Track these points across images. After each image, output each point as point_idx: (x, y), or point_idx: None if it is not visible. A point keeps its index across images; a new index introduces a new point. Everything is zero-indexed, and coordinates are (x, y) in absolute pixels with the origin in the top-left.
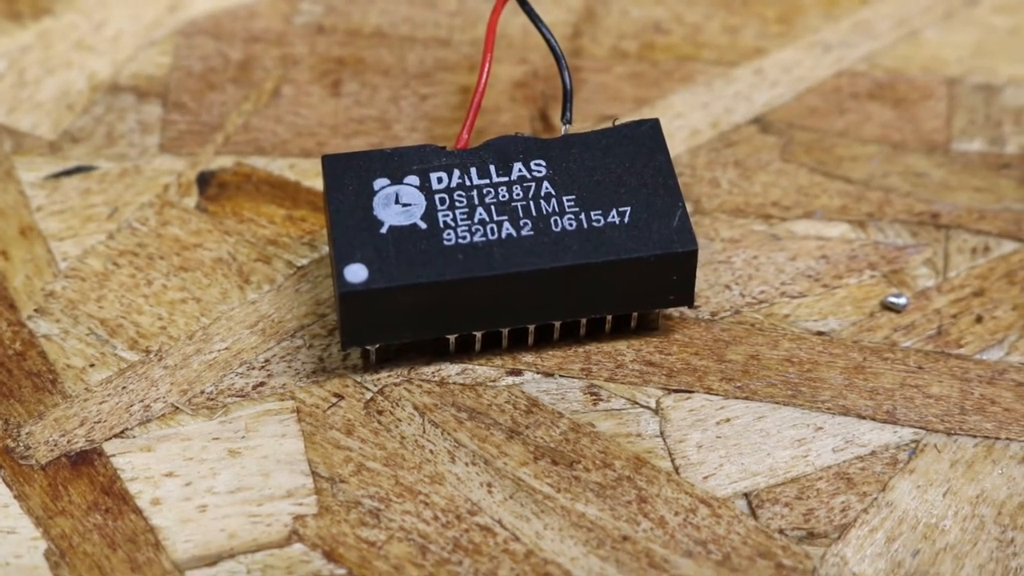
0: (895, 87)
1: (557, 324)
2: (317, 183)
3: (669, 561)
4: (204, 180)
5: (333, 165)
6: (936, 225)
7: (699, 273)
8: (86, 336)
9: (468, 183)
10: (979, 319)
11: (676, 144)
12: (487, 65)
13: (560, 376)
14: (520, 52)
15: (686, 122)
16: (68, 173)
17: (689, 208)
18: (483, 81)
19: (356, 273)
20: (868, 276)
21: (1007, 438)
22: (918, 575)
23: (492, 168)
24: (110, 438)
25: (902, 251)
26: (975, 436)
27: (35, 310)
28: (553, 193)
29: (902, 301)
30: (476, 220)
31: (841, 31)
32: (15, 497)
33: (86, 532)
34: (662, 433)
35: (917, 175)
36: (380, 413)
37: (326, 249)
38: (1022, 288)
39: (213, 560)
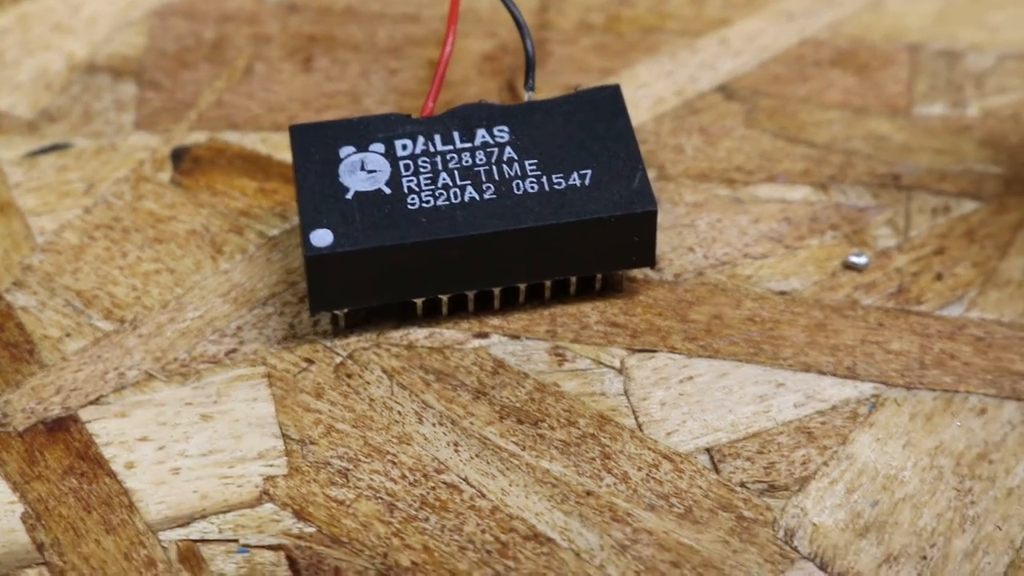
0: (857, 54)
1: (522, 287)
2: (288, 156)
3: (632, 515)
4: (178, 155)
5: (301, 135)
6: (897, 187)
7: (663, 236)
8: (62, 307)
9: (432, 149)
10: (939, 277)
11: (641, 112)
12: (451, 36)
13: (526, 338)
14: (488, 27)
15: (651, 91)
16: (45, 151)
17: (653, 174)
18: (447, 50)
19: (322, 238)
20: (830, 237)
21: (966, 391)
22: (877, 524)
23: (456, 135)
24: (85, 405)
25: (863, 212)
26: (934, 390)
27: (13, 283)
28: (515, 158)
29: (863, 260)
30: (440, 185)
31: (804, 1)
32: None
33: (62, 495)
34: (626, 392)
35: (879, 138)
36: (349, 376)
37: (297, 220)
38: (982, 246)
39: (186, 521)
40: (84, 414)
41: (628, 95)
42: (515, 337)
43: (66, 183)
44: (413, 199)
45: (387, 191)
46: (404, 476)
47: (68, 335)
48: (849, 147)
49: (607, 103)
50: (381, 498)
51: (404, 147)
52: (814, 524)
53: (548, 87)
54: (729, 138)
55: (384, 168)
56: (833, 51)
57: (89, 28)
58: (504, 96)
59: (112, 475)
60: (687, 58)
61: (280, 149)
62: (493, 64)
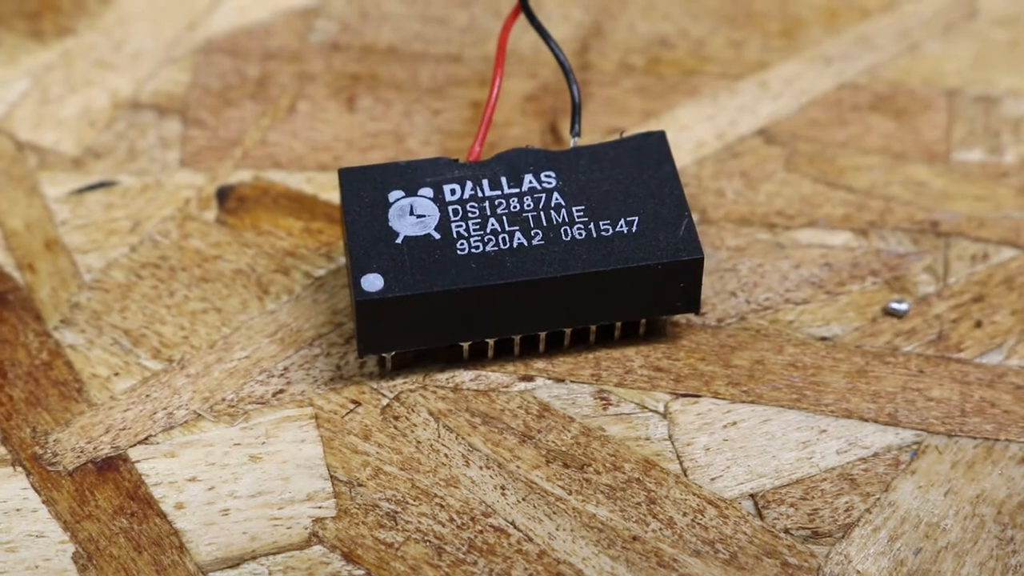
0: (896, 99)
1: (568, 331)
2: (333, 196)
3: (678, 560)
4: (223, 194)
5: (349, 178)
6: (936, 233)
7: (705, 280)
8: (110, 346)
9: (480, 195)
10: (979, 324)
11: (682, 155)
12: (498, 79)
13: (571, 382)
14: (530, 67)
15: (692, 134)
16: (91, 188)
17: (695, 218)
18: (494, 94)
19: (372, 282)
20: (870, 283)
21: (1006, 439)
22: (920, 573)
23: (503, 180)
24: (135, 444)
25: (903, 258)
26: (975, 437)
27: (61, 321)
28: (563, 204)
29: (904, 307)
30: (488, 230)
31: (842, 44)
32: (43, 502)
33: (112, 536)
34: (670, 436)
35: (918, 184)
36: (396, 419)
37: (343, 260)
38: (1021, 294)
39: (236, 562)
40: (133, 453)
41: (669, 138)
42: (560, 380)
43: (112, 221)
44: (462, 244)
45: (436, 236)
46: (452, 519)
47: (116, 374)
48: (888, 192)
49: (652, 149)
50: (429, 541)
51: (453, 192)
52: (858, 572)
53: (589, 128)
54: (769, 182)
55: (433, 213)
56: (871, 96)
57: (133, 65)
58: (546, 137)
59: (162, 515)
60: (727, 101)
61: (325, 189)
62: (535, 104)
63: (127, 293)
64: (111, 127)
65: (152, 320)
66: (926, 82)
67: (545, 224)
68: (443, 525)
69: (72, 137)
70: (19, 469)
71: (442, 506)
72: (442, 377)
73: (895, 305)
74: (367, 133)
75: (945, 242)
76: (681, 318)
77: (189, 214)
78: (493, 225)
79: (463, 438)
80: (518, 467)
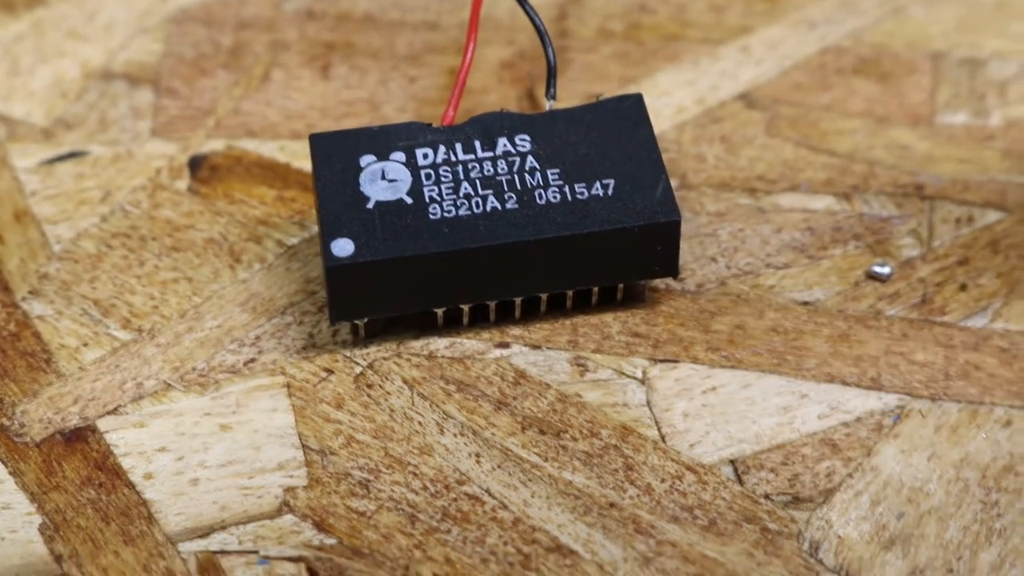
0: (880, 62)
1: (544, 297)
2: (307, 164)
3: (655, 527)
4: (195, 163)
5: (320, 143)
6: (921, 196)
7: (685, 246)
8: (80, 316)
9: (453, 158)
10: (963, 287)
11: (662, 121)
12: (472, 43)
13: (547, 348)
14: (507, 34)
15: (672, 99)
16: (62, 158)
17: (675, 183)
18: (468, 58)
19: (343, 247)
20: (853, 247)
21: (991, 403)
22: (903, 537)
23: (477, 143)
24: (103, 415)
25: (887, 222)
26: (959, 401)
27: (29, 292)
28: (537, 167)
29: (886, 271)
30: (461, 194)
31: (826, 8)
32: (10, 474)
33: (80, 507)
34: (648, 402)
35: (902, 148)
36: (369, 387)
37: (316, 228)
38: (1006, 256)
39: (205, 532)
40: (102, 424)
41: (649, 103)
42: (536, 347)
43: (83, 191)
44: (435, 209)
45: (408, 201)
46: (425, 487)
47: (85, 344)
48: (872, 156)
49: (629, 112)
50: (402, 509)
51: (425, 156)
52: (839, 536)
53: (568, 95)
54: (751, 147)
55: (405, 177)
56: (855, 59)
57: (105, 35)
58: (524, 104)
59: (131, 486)
60: (708, 66)
61: (298, 157)
62: (512, 71)
63: (97, 263)
64: (82, 98)
65: (122, 290)
66: (910, 45)
67: (519, 188)
68: (416, 493)
69: (43, 108)
70: None
71: (416, 474)
72: (416, 345)
73: (878, 269)
74: (342, 101)
75: (929, 205)
76: (660, 283)
77: (160, 184)
78: (466, 189)
79: (437, 406)
80: (493, 434)
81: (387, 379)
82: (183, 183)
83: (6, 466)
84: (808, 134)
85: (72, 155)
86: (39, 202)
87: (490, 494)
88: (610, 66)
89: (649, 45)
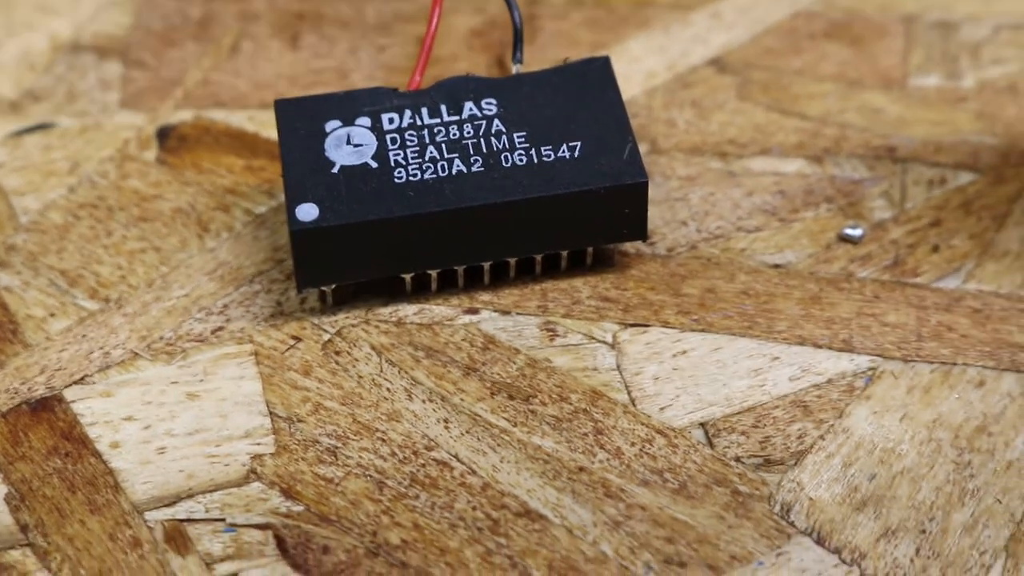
0: (851, 26)
1: (513, 262)
2: (275, 134)
3: (625, 490)
4: (164, 134)
5: (285, 109)
6: (893, 159)
7: (655, 210)
8: (47, 287)
9: (419, 123)
10: (935, 248)
11: (633, 87)
12: (438, 6)
13: (517, 313)
14: (477, 2)
15: (643, 66)
16: (29, 131)
17: (645, 148)
18: (435, 22)
19: (307, 212)
20: (825, 209)
21: (964, 363)
22: (875, 498)
23: (443, 108)
24: (70, 385)
25: (858, 184)
26: (932, 362)
27: None
28: (504, 130)
29: (858, 232)
30: (427, 158)
31: None
32: None
33: (46, 476)
34: (619, 367)
35: (874, 111)
36: (338, 354)
37: (284, 197)
38: (978, 218)
39: (172, 500)
40: (69, 394)
41: (620, 70)
42: (506, 313)
43: (50, 163)
44: (400, 173)
45: (373, 165)
46: (394, 453)
47: (52, 315)
48: (843, 120)
49: (596, 75)
50: (370, 476)
51: (391, 120)
52: (811, 498)
53: (539, 62)
54: (722, 111)
55: (370, 142)
56: (827, 23)
57: (73, 7)
58: (493, 71)
59: (97, 455)
60: (679, 32)
61: (267, 127)
62: (482, 39)
63: (64, 234)
64: (50, 70)
65: (89, 260)
66: (882, 8)
67: (485, 151)
68: (384, 460)
69: (10, 80)
70: None
71: (384, 440)
72: (385, 311)
73: (849, 231)
74: (311, 70)
75: (902, 167)
76: (630, 248)
77: (128, 154)
78: (432, 153)
79: (406, 372)
80: (462, 400)
81: (355, 346)
82: (151, 154)
83: None
84: (779, 98)
85: (40, 127)
86: (6, 174)
87: (459, 460)
88: (580, 32)
89: (619, 11)
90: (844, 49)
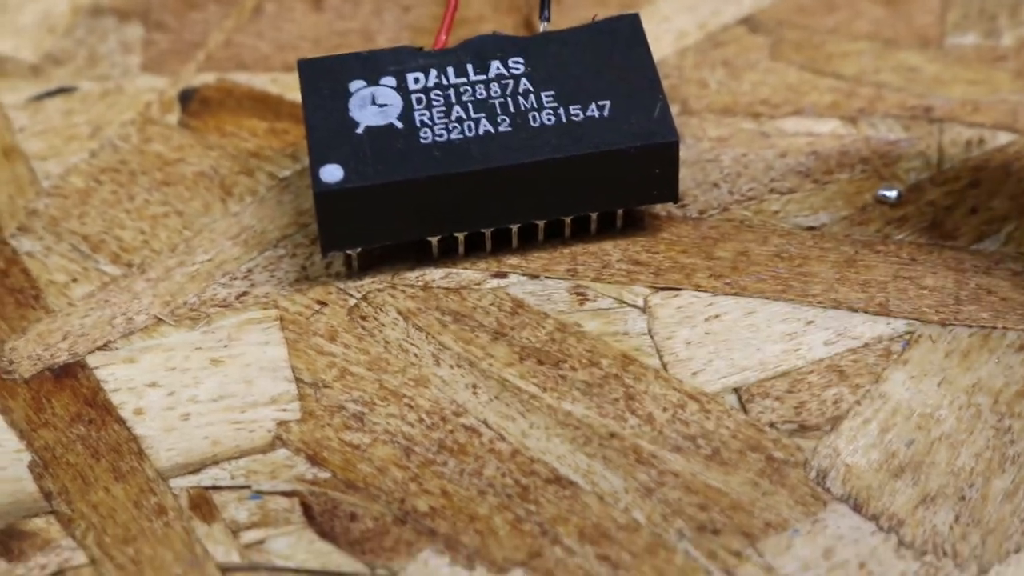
0: None
1: (541, 225)
2: (299, 96)
3: (657, 456)
4: (186, 97)
5: (309, 69)
6: (929, 119)
7: (686, 172)
8: (69, 252)
9: (445, 82)
10: (974, 210)
11: (663, 47)
12: None
13: (546, 277)
14: None
15: (673, 25)
16: (50, 94)
17: (677, 109)
18: None
19: (331, 173)
20: (860, 171)
21: (1004, 327)
22: (912, 464)
23: (469, 67)
24: (93, 351)
25: (894, 145)
26: (971, 326)
27: (17, 228)
28: (531, 89)
29: (894, 194)
30: (453, 118)
31: None
32: None
33: (69, 443)
34: (650, 331)
35: (910, 70)
36: (364, 319)
37: (308, 160)
38: (1018, 179)
39: (196, 467)
40: (92, 360)
41: (650, 29)
42: (534, 276)
43: (72, 127)
44: (426, 133)
45: (399, 125)
46: (421, 420)
47: (75, 280)
48: (879, 79)
49: (625, 32)
50: (398, 442)
51: (416, 80)
52: (847, 465)
53: (566, 20)
54: (754, 71)
55: (396, 102)
56: None
57: None
58: (520, 32)
59: (121, 422)
60: None
61: (290, 89)
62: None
63: (86, 199)
64: (71, 33)
65: (111, 225)
66: None
67: (513, 110)
68: (412, 426)
69: (31, 44)
70: None
71: (411, 406)
72: (411, 276)
73: (885, 192)
74: (335, 32)
75: (939, 128)
76: (661, 210)
77: (150, 118)
78: (458, 113)
79: (433, 337)
80: (490, 365)
81: (381, 311)
82: (173, 117)
83: None
84: (813, 57)
85: (61, 91)
86: (27, 138)
87: (487, 425)
88: None
89: None
90: (879, 7)
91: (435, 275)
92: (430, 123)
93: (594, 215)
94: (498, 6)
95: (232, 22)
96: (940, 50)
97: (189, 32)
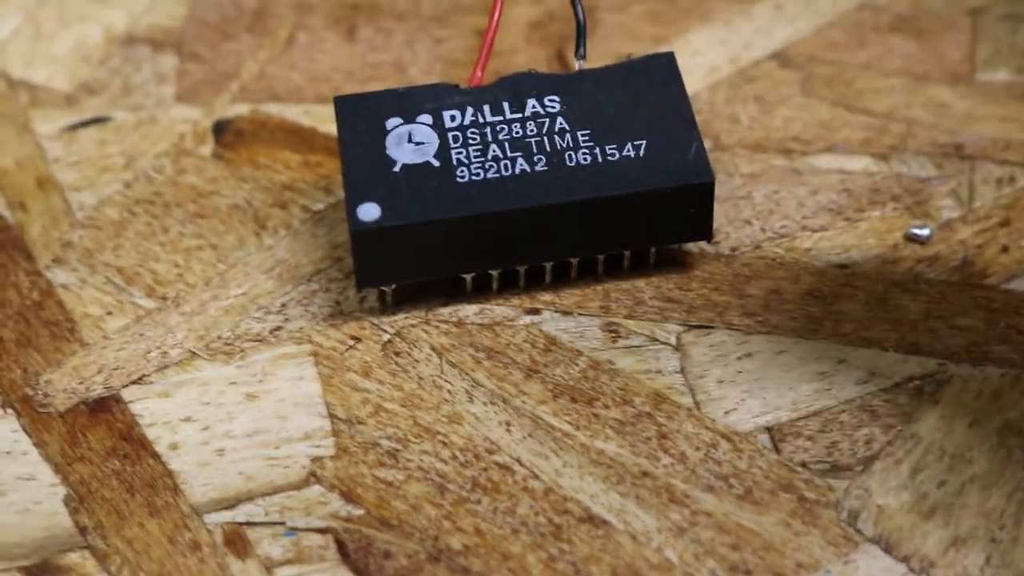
0: (918, 20)
1: (575, 262)
2: (333, 128)
3: (690, 496)
4: (220, 128)
5: (345, 106)
6: (960, 156)
7: (719, 209)
8: (103, 285)
9: (481, 120)
10: (1005, 249)
11: (695, 81)
12: (500, 0)
13: (579, 314)
14: None
15: (705, 59)
16: (84, 124)
17: (708, 144)
18: (496, 16)
19: (369, 212)
20: (891, 209)
21: None
22: (944, 506)
23: (505, 105)
24: (128, 385)
25: (926, 183)
26: (1002, 367)
27: (52, 260)
28: (567, 128)
29: (925, 233)
30: (490, 157)
31: None
32: (34, 444)
33: (104, 478)
34: (682, 369)
35: (940, 106)
36: (397, 355)
37: (342, 193)
38: None
39: (231, 503)
40: (127, 394)
41: (681, 63)
42: (567, 313)
43: (106, 157)
44: (462, 172)
45: (435, 163)
46: (455, 457)
47: (109, 313)
48: (910, 116)
49: (661, 71)
50: (431, 479)
51: (452, 118)
52: (878, 506)
53: (598, 56)
54: (785, 107)
55: (432, 140)
56: (892, 16)
57: None
58: (553, 65)
59: (156, 456)
60: (741, 25)
61: (324, 121)
62: (541, 32)
63: (120, 231)
64: (105, 63)
65: (146, 258)
66: (949, 2)
67: (549, 149)
68: (446, 463)
69: (65, 74)
70: (9, 411)
71: (445, 443)
72: (445, 311)
73: (916, 231)
74: (367, 64)
75: (970, 165)
76: (693, 247)
77: (184, 149)
78: (495, 151)
79: (467, 374)
80: (524, 402)
81: (415, 347)
82: (207, 148)
83: (30, 437)
84: (844, 93)
85: (95, 121)
86: (62, 169)
87: (521, 463)
88: (641, 26)
89: (681, 4)
90: (910, 43)
91: (468, 311)
92: (466, 162)
93: (627, 253)
94: (530, 38)
95: (265, 53)
96: (971, 86)
97: (223, 63)
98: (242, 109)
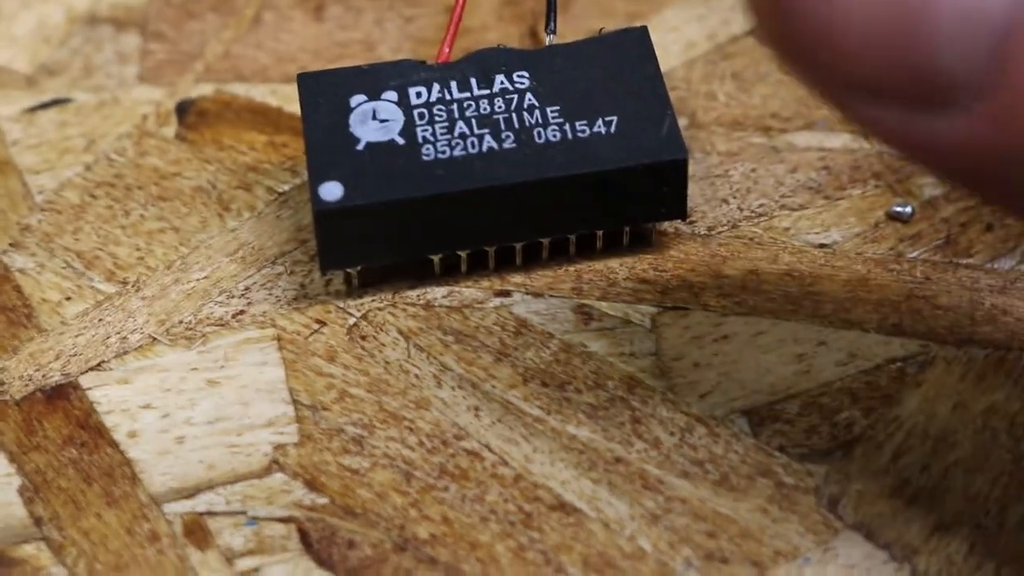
0: None
1: (546, 242)
2: (299, 109)
3: (664, 482)
4: (183, 109)
5: (308, 83)
6: None
7: (695, 187)
8: (62, 269)
9: (448, 97)
10: (989, 227)
11: (670, 58)
12: None
13: (550, 296)
14: None
15: (681, 35)
16: (44, 106)
17: (684, 122)
18: None
19: (331, 191)
20: (872, 186)
21: (1020, 348)
22: (927, 491)
23: (473, 81)
24: (86, 371)
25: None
26: (986, 347)
27: (10, 244)
28: (536, 104)
29: (908, 211)
30: (456, 134)
31: None
32: None
33: (61, 467)
34: (657, 352)
35: None
36: (363, 339)
37: (307, 175)
38: None
39: (191, 492)
40: (85, 381)
41: (657, 40)
42: (538, 295)
43: (66, 139)
44: (428, 149)
45: (400, 141)
46: (422, 443)
47: (68, 298)
48: None
49: (633, 46)
50: (398, 467)
51: (418, 95)
52: (859, 491)
53: (571, 32)
54: (764, 84)
55: (397, 117)
56: None
57: None
58: (525, 42)
59: (114, 445)
60: (719, 1)
61: (290, 101)
62: (513, 9)
63: (80, 214)
64: (66, 43)
65: (106, 241)
66: None
67: (517, 126)
68: (412, 449)
69: (25, 55)
70: None
71: (411, 429)
72: (413, 294)
73: (898, 209)
74: (336, 43)
75: None
76: (668, 227)
77: (147, 131)
78: (461, 128)
79: (435, 358)
80: (493, 387)
81: (382, 330)
82: (170, 130)
83: None
84: None
85: (55, 102)
86: (21, 151)
87: (490, 449)
88: (616, 2)
89: None
90: None
91: (437, 293)
92: (432, 139)
93: (600, 233)
94: (502, 15)
95: (231, 32)
96: None
97: (186, 43)
98: (206, 89)
